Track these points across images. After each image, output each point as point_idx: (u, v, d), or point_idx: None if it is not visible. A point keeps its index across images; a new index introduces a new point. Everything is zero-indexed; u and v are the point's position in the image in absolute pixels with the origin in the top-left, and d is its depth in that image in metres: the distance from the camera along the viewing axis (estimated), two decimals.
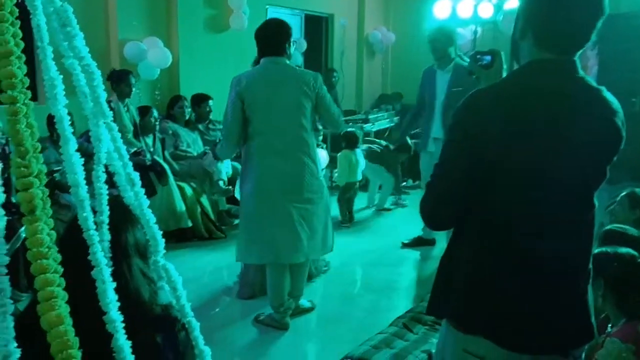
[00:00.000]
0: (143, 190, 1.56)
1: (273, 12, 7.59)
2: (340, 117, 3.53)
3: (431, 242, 4.98)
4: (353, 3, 8.87)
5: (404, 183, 7.47)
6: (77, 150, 1.35)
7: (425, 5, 8.33)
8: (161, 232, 1.58)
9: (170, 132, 5.46)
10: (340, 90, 8.23)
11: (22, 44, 1.28)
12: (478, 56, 1.77)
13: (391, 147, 6.31)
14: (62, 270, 1.21)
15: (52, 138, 4.15)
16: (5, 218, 1.18)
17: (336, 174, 6.26)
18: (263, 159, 3.28)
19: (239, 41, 6.64)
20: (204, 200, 5.24)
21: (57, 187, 3.83)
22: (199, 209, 5.12)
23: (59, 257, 1.24)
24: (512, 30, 1.53)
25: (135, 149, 4.87)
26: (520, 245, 1.44)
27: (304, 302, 3.72)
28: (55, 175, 3.83)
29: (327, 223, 3.49)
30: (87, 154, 1.54)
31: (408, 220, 5.67)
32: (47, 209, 1.26)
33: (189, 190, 5.12)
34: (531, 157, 1.39)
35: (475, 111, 1.43)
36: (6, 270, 1.12)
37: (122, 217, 1.51)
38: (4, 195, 1.21)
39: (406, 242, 5.06)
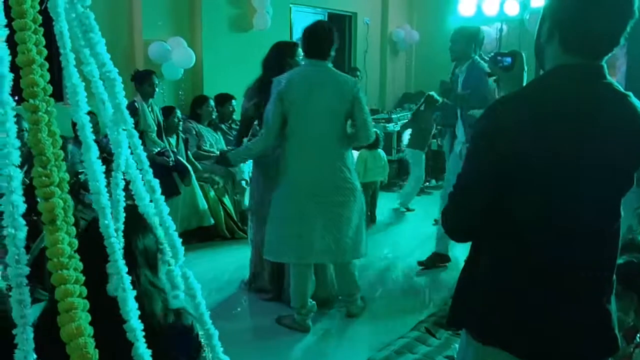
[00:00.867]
0: (163, 198, 1.56)
1: (297, 11, 7.58)
2: (372, 127, 3.55)
3: (446, 259, 4.73)
4: (377, 1, 8.81)
5: (427, 183, 7.40)
6: (100, 150, 1.36)
7: (449, 3, 8.24)
8: (183, 231, 1.57)
9: (194, 132, 5.48)
10: (363, 90, 8.19)
11: (45, 52, 1.28)
12: (498, 58, 1.72)
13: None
14: (82, 279, 1.21)
15: (78, 139, 4.19)
16: (28, 220, 1.18)
17: None
18: (297, 160, 3.30)
19: (263, 41, 6.60)
20: (227, 200, 5.25)
21: (82, 187, 3.87)
22: (221, 209, 5.13)
23: (80, 265, 1.23)
24: (537, 31, 1.48)
25: (158, 148, 4.90)
26: (542, 256, 1.40)
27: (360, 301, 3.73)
28: (80, 176, 3.87)
29: (359, 227, 3.49)
30: (110, 154, 1.54)
31: (430, 220, 5.60)
32: (69, 217, 1.25)
33: (211, 191, 5.14)
34: (557, 165, 1.35)
35: (500, 120, 1.38)
36: (27, 281, 1.12)
37: (131, 225, 1.50)
38: (26, 198, 1.20)
39: (423, 261, 4.77)
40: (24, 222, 1.14)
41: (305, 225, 3.30)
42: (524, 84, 1.64)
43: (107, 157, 2.55)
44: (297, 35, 7.63)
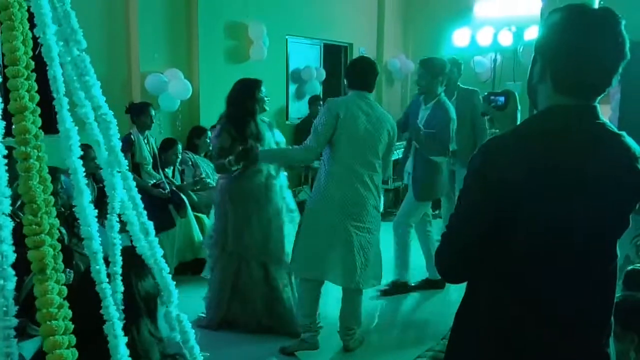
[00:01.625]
0: (157, 240, 1.54)
1: (293, 42, 7.65)
2: (390, 172, 3.84)
3: (440, 285, 4.70)
4: (372, 32, 8.91)
5: None
6: (95, 182, 1.34)
7: (444, 33, 8.33)
8: (178, 263, 1.56)
9: (190, 162, 5.48)
10: None
11: (37, 97, 1.28)
12: (492, 97, 1.72)
13: None
14: (72, 327, 1.18)
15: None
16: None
17: None
18: (338, 180, 3.40)
19: (259, 71, 6.65)
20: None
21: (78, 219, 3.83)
22: None
23: (69, 313, 1.21)
24: (529, 71, 1.47)
25: (154, 181, 4.89)
26: (539, 297, 1.39)
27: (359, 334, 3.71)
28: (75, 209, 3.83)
29: (379, 254, 3.60)
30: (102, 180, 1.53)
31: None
32: (59, 264, 1.24)
33: (207, 221, 5.11)
34: (553, 205, 1.34)
35: (494, 159, 1.37)
36: (14, 333, 1.09)
37: (131, 268, 1.48)
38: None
39: (413, 284, 4.76)
40: (13, 273, 1.12)
41: (332, 243, 3.38)
42: (518, 122, 1.64)
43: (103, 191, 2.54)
44: (293, 65, 7.70)
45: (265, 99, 3.77)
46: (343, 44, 8.59)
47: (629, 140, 1.39)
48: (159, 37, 5.85)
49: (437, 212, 7.08)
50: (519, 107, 1.68)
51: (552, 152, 1.34)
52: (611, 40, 1.32)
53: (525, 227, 1.35)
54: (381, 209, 3.60)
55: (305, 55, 8.00)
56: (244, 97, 3.71)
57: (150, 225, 1.51)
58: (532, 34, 7.03)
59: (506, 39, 7.69)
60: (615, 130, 1.39)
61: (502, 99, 1.69)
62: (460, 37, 8.00)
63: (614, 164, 1.35)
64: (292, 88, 7.73)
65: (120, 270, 1.42)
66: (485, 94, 1.75)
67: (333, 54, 8.47)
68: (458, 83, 5.21)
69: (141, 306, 1.50)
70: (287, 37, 7.48)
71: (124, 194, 1.46)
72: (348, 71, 3.65)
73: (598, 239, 1.39)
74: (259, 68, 6.64)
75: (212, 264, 3.90)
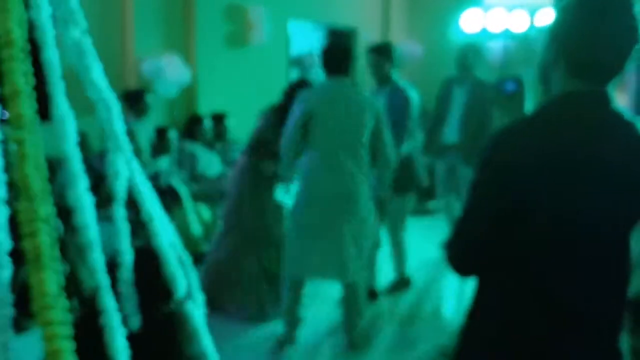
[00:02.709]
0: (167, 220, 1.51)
1: (295, 26, 7.56)
2: (394, 155, 3.51)
3: (407, 282, 4.66)
4: (377, 16, 8.80)
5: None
6: (89, 171, 1.31)
7: (453, 18, 8.22)
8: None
9: (187, 152, 5.42)
10: None
11: (33, 80, 1.24)
12: (502, 86, 1.66)
13: None
14: (69, 318, 1.16)
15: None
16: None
17: None
18: (323, 177, 3.29)
19: (260, 56, 6.61)
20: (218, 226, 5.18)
21: (71, 210, 3.80)
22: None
23: (67, 304, 1.18)
24: (541, 56, 1.45)
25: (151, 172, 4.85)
26: (551, 291, 1.37)
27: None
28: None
29: (369, 249, 3.54)
30: (99, 175, 1.50)
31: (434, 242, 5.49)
32: (55, 253, 1.21)
33: (206, 213, 5.07)
34: (564, 196, 1.32)
35: (506, 148, 1.36)
36: (11, 324, 1.07)
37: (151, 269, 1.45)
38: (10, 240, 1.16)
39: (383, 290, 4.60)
40: (9, 260, 1.09)
41: (317, 240, 3.31)
42: (525, 109, 1.61)
43: (98, 180, 2.50)
44: (294, 50, 7.61)
45: None
46: (348, 29, 8.49)
47: None
48: (155, 19, 5.76)
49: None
50: (528, 95, 1.65)
51: (565, 139, 1.33)
52: (625, 22, 1.31)
53: (537, 216, 1.34)
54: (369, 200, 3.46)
55: (308, 40, 7.89)
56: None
57: (156, 210, 1.48)
58: (544, 19, 6.94)
59: (517, 25, 7.59)
60: (628, 117, 1.37)
61: (512, 86, 1.63)
62: (470, 23, 7.87)
63: (626, 151, 1.34)
64: (294, 74, 7.62)
65: (130, 261, 1.40)
66: (496, 81, 1.70)
67: (338, 38, 8.38)
68: (473, 72, 4.85)
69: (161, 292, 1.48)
70: (288, 20, 7.39)
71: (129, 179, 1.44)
72: (321, 56, 3.48)
73: (610, 230, 1.37)
74: (259, 53, 6.57)
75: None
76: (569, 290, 1.37)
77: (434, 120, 5.10)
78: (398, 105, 4.09)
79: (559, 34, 1.38)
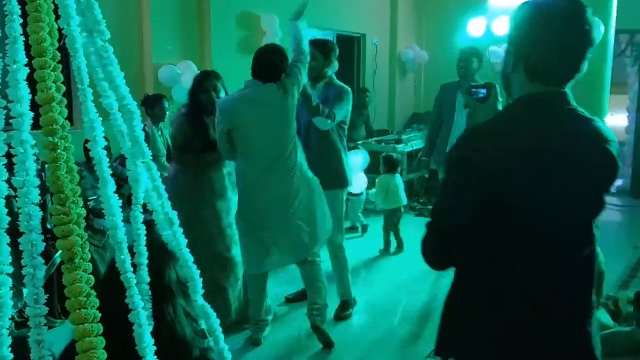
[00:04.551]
0: (181, 230, 1.55)
1: (305, 33, 7.62)
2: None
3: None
4: (385, 22, 8.86)
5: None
6: (112, 175, 1.35)
7: (458, 23, 8.27)
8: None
9: None
10: (372, 110, 8.20)
11: (63, 88, 1.29)
12: (473, 90, 1.77)
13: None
14: (99, 316, 1.20)
15: (90, 164, 4.20)
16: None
17: (373, 198, 6.15)
18: (254, 180, 3.33)
19: None
20: None
21: (92, 212, 3.88)
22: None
23: (96, 302, 1.22)
24: (503, 61, 1.53)
25: (167, 173, 4.90)
26: (523, 284, 1.44)
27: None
28: (89, 202, 3.88)
29: (324, 212, 3.52)
30: (121, 177, 1.54)
31: None
32: (86, 254, 1.25)
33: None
34: (529, 190, 1.40)
35: (474, 146, 1.44)
36: (45, 321, 1.11)
37: (162, 256, 1.49)
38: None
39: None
40: (42, 261, 1.14)
41: (266, 231, 3.37)
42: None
43: (118, 182, 2.56)
44: None
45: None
46: (356, 35, 8.55)
47: (600, 124, 1.46)
48: (172, 28, 5.85)
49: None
50: (501, 100, 1.72)
51: (528, 137, 1.40)
52: (577, 28, 1.39)
53: (504, 211, 1.41)
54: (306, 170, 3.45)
55: None
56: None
57: (174, 214, 1.52)
58: None
59: None
60: (587, 114, 1.46)
61: (483, 91, 1.74)
62: (475, 27, 7.93)
63: (588, 146, 1.42)
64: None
65: (146, 261, 1.43)
66: (467, 86, 1.80)
67: (346, 44, 8.44)
68: (476, 77, 4.89)
69: (174, 288, 1.51)
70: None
71: (149, 184, 1.48)
72: (253, 62, 3.49)
73: (574, 221, 1.45)
74: None
75: None
76: (543, 278, 1.43)
77: (432, 126, 5.05)
78: (332, 95, 3.91)
79: (517, 42, 1.46)
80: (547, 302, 1.45)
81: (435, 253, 1.52)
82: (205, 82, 3.65)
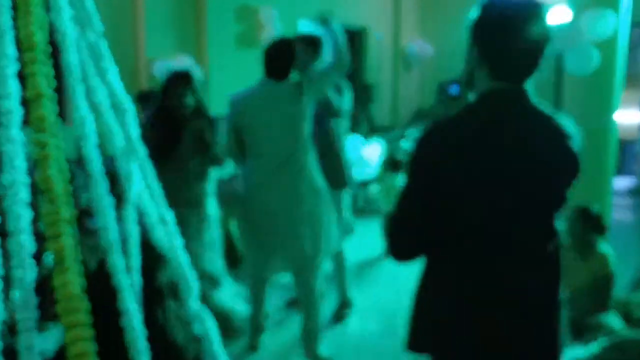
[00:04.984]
0: (176, 230, 1.51)
1: (304, 26, 7.57)
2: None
3: None
4: (388, 15, 8.75)
5: None
6: (106, 173, 1.32)
7: (464, 16, 8.16)
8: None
9: None
10: (375, 106, 8.15)
11: (54, 83, 1.25)
12: (445, 88, 1.72)
13: None
14: (91, 320, 1.16)
15: (81, 162, 4.15)
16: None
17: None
18: (260, 182, 3.28)
19: None
20: (233, 226, 5.17)
21: (85, 212, 3.82)
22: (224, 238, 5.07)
23: (88, 305, 1.19)
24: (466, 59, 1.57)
25: None
26: (489, 277, 1.49)
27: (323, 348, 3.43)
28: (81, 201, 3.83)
29: (331, 220, 3.35)
30: (112, 173, 1.49)
31: None
32: (77, 255, 1.21)
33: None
34: (487, 183, 1.44)
35: (432, 145, 1.48)
36: (35, 326, 1.07)
37: (152, 258, 1.45)
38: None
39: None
40: (33, 263, 1.10)
41: (267, 236, 3.23)
42: None
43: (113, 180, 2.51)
44: None
45: None
46: (358, 28, 8.48)
47: (561, 120, 1.52)
48: (167, 20, 5.77)
49: None
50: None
51: (489, 132, 1.45)
52: (536, 28, 1.48)
53: (464, 208, 1.45)
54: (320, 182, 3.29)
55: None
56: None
57: (170, 215, 1.48)
58: (559, 14, 6.85)
59: None
60: (547, 111, 1.52)
61: (456, 88, 1.69)
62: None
63: (546, 140, 1.47)
64: None
65: (138, 263, 1.40)
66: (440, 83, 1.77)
67: (348, 38, 8.36)
68: None
69: (165, 291, 1.47)
70: (299, 20, 7.39)
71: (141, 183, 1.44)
72: (262, 58, 3.33)
73: (535, 216, 1.49)
74: None
75: None
76: (501, 274, 1.47)
77: None
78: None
79: (481, 42, 1.53)
80: (508, 295, 1.50)
81: (399, 248, 1.58)
82: (171, 89, 3.56)
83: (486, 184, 1.43)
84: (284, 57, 3.21)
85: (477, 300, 1.49)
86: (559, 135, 1.49)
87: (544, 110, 1.52)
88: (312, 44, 3.83)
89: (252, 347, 3.42)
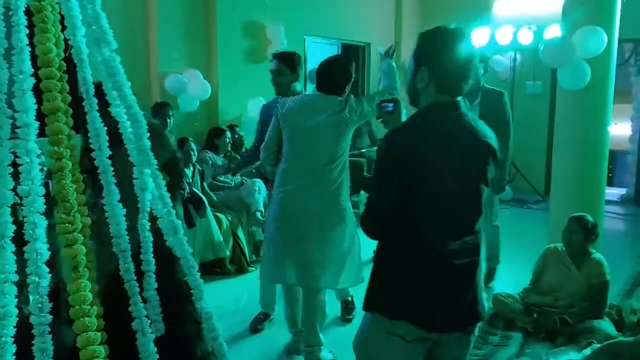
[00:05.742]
0: (186, 239, 1.56)
1: (311, 42, 7.66)
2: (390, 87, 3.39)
3: None
4: (390, 31, 8.87)
5: None
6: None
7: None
8: (200, 263, 1.57)
9: (210, 162, 5.50)
10: (375, 120, 8.20)
11: (69, 98, 1.30)
12: (382, 104, 2.31)
13: None
14: (103, 324, 1.20)
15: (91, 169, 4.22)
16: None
17: None
18: (289, 183, 3.29)
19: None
20: (240, 232, 5.23)
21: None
22: (231, 242, 5.11)
23: (100, 311, 1.23)
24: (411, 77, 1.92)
25: None
26: (432, 248, 1.88)
27: (324, 353, 3.45)
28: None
29: (350, 251, 3.34)
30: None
31: None
32: (91, 262, 1.26)
33: (225, 222, 5.13)
34: (437, 177, 1.84)
35: (395, 143, 1.87)
36: (49, 329, 1.11)
37: (172, 261, 1.49)
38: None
39: None
40: (47, 270, 1.14)
41: (294, 249, 3.25)
42: (405, 119, 2.19)
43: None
44: (311, 65, 7.70)
45: None
46: (361, 44, 8.57)
47: (482, 123, 1.96)
48: (178, 37, 5.88)
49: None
50: (405, 111, 2.12)
51: (437, 132, 1.88)
52: (469, 51, 1.89)
53: (418, 194, 1.84)
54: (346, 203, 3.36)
55: (323, 55, 7.94)
56: None
57: (179, 223, 1.52)
58: (553, 32, 6.94)
59: (526, 38, 7.62)
60: (476, 118, 1.96)
61: (391, 105, 2.25)
62: (479, 36, 7.94)
63: (474, 141, 1.90)
64: (310, 88, 7.71)
65: (153, 268, 1.44)
66: (378, 101, 2.30)
67: (351, 53, 8.46)
68: (482, 83, 4.60)
69: (180, 292, 1.51)
70: (305, 36, 7.48)
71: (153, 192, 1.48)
72: (316, 72, 3.42)
73: (468, 198, 1.91)
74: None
75: None
76: (443, 245, 1.86)
77: None
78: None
79: (429, 63, 1.91)
80: (449, 264, 1.88)
81: (371, 228, 1.95)
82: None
83: (435, 169, 1.84)
84: (336, 73, 3.29)
85: (425, 266, 1.87)
86: (483, 135, 1.93)
87: (472, 116, 1.94)
88: (288, 62, 3.84)
89: (296, 350, 3.47)
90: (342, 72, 3.31)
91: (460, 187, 1.89)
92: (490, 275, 4.40)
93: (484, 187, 1.94)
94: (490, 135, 1.96)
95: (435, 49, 1.92)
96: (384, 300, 1.95)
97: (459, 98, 1.92)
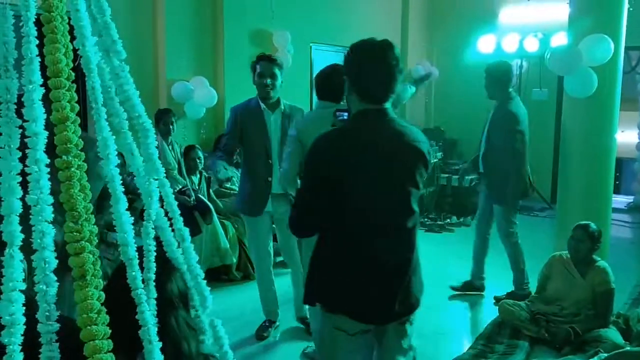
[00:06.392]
0: (192, 246, 1.56)
1: (317, 50, 7.69)
2: None
3: (480, 289, 4.74)
4: (395, 38, 8.89)
5: (448, 220, 7.37)
6: (124, 188, 1.37)
7: (469, 40, 8.30)
8: (206, 269, 1.58)
9: (214, 170, 5.52)
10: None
11: (77, 107, 1.31)
12: (337, 113, 2.43)
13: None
14: (109, 332, 1.21)
15: None
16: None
17: None
18: None
19: (284, 79, 6.71)
20: (246, 239, 5.24)
21: (105, 226, 3.90)
22: (237, 249, 5.12)
23: (107, 318, 1.23)
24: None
25: (180, 186, 4.94)
26: (361, 246, 1.99)
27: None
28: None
29: None
30: (130, 190, 1.55)
31: (457, 260, 5.50)
32: (97, 270, 1.26)
33: (231, 229, 5.15)
34: (362, 179, 1.94)
35: (323, 149, 2.01)
36: (57, 338, 1.12)
37: (163, 269, 1.50)
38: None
39: (456, 286, 4.81)
40: (55, 278, 1.15)
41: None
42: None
43: (131, 197, 2.58)
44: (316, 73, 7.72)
45: None
46: None
47: (413, 129, 2.09)
48: (185, 44, 5.92)
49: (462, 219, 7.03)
50: None
51: (361, 137, 2.00)
52: (388, 64, 2.01)
53: (346, 190, 1.94)
54: None
55: (330, 63, 8.00)
56: None
57: (185, 231, 1.53)
58: (560, 40, 6.94)
59: (532, 45, 7.63)
60: (404, 123, 2.08)
61: (346, 114, 2.32)
62: (485, 44, 7.95)
63: (400, 143, 2.02)
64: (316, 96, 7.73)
65: (154, 276, 1.44)
66: (334, 110, 2.45)
67: (333, 66, 8.45)
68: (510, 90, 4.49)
69: (175, 301, 1.51)
70: (311, 44, 7.51)
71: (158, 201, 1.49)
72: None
73: (397, 199, 2.02)
74: (284, 76, 6.67)
75: None
76: (373, 244, 1.99)
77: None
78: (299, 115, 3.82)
79: (350, 75, 2.07)
80: (378, 260, 2.00)
81: (297, 227, 2.10)
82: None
83: (361, 173, 1.94)
84: (334, 81, 3.33)
85: (354, 262, 2.00)
86: (412, 140, 2.04)
87: (401, 122, 2.07)
88: (279, 67, 3.87)
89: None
90: (340, 80, 3.33)
91: (387, 188, 2.00)
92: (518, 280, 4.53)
93: (413, 188, 2.03)
94: (420, 140, 2.07)
95: (354, 62, 2.06)
96: (321, 294, 2.08)
97: (387, 105, 2.03)
